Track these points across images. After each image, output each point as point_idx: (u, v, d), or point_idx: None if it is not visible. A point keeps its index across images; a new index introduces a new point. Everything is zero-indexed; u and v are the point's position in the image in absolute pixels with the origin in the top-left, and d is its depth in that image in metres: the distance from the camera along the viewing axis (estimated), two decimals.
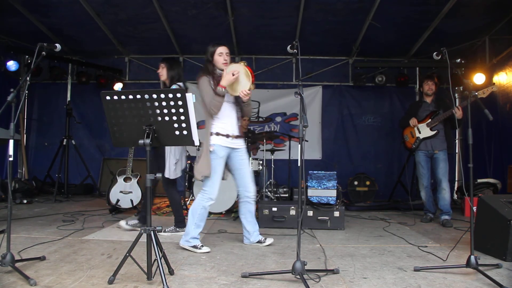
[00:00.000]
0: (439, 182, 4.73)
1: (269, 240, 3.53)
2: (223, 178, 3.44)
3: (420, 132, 4.84)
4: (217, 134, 3.31)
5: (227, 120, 3.36)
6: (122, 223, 4.04)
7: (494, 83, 4.66)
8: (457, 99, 7.17)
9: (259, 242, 3.52)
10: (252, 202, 3.52)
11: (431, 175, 4.89)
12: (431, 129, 4.76)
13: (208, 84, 3.28)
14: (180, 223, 3.99)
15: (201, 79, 3.31)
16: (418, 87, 7.39)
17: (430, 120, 4.77)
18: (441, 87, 5.11)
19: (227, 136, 3.34)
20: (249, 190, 3.50)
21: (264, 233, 4.03)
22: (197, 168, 3.32)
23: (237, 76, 3.21)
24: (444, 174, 4.71)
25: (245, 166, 3.50)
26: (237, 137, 3.41)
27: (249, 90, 3.24)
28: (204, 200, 3.31)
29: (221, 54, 3.36)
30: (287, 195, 6.41)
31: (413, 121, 4.87)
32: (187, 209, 5.25)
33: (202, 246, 3.26)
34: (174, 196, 3.99)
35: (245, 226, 3.54)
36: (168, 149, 3.81)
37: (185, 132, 2.50)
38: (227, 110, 3.36)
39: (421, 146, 4.84)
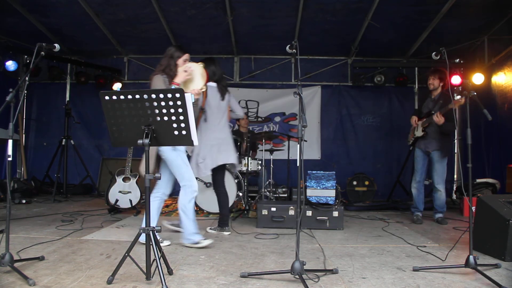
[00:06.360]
0: (433, 182, 4.74)
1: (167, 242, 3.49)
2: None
3: (416, 130, 4.87)
4: None
5: None
6: (165, 222, 4.11)
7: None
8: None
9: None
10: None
11: (429, 175, 4.89)
12: (422, 130, 4.77)
13: (163, 83, 3.32)
14: (224, 222, 4.08)
15: (155, 77, 3.35)
16: (416, 87, 7.41)
17: (425, 119, 4.77)
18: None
19: None
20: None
21: (263, 232, 4.05)
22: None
23: (190, 73, 3.32)
24: (440, 175, 4.68)
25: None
26: None
27: (200, 89, 3.33)
28: (191, 195, 3.33)
29: (186, 60, 3.44)
30: (286, 195, 6.41)
31: (413, 121, 4.88)
32: None
33: (205, 239, 3.35)
34: (223, 197, 4.06)
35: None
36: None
37: (184, 132, 2.49)
38: None
39: (418, 144, 4.86)
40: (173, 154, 3.29)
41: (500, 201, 3.34)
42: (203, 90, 3.37)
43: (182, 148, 3.37)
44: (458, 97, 3.94)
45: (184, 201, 3.34)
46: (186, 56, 3.44)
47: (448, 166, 4.84)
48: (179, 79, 3.28)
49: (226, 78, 7.23)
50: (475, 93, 2.98)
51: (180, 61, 3.40)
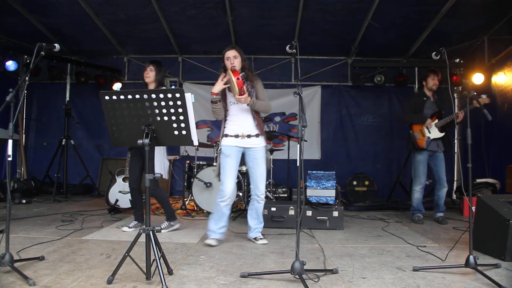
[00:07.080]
0: (440, 181, 4.75)
1: (264, 241, 3.62)
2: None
3: (430, 132, 4.77)
4: (225, 135, 3.52)
5: (237, 121, 3.51)
6: (125, 228, 4.04)
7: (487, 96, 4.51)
8: (455, 99, 7.17)
9: (254, 238, 3.65)
10: (260, 201, 3.64)
11: (430, 174, 4.90)
12: (440, 130, 4.73)
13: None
14: (172, 216, 4.14)
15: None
16: (416, 87, 7.41)
17: (437, 120, 4.73)
18: (440, 86, 5.10)
19: (236, 136, 3.49)
20: (258, 188, 3.61)
21: (263, 232, 4.04)
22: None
23: (227, 81, 3.34)
24: (445, 172, 4.78)
25: (257, 166, 3.60)
26: (249, 136, 3.52)
27: (239, 96, 3.33)
28: (218, 198, 3.50)
29: (228, 58, 3.46)
30: (286, 195, 6.40)
31: (429, 123, 4.73)
32: (186, 209, 5.26)
33: (211, 238, 3.47)
34: (160, 193, 4.09)
35: (249, 221, 3.70)
36: (159, 149, 3.90)
37: (184, 132, 2.50)
38: (237, 111, 3.51)
39: (430, 146, 4.78)
40: (221, 156, 3.52)
41: (500, 201, 3.34)
42: (243, 95, 3.37)
43: (228, 153, 3.47)
44: (484, 96, 4.06)
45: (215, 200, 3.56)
46: (228, 53, 3.47)
47: (448, 166, 4.85)
48: (214, 89, 3.37)
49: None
50: (475, 93, 2.98)
51: (225, 60, 3.47)
